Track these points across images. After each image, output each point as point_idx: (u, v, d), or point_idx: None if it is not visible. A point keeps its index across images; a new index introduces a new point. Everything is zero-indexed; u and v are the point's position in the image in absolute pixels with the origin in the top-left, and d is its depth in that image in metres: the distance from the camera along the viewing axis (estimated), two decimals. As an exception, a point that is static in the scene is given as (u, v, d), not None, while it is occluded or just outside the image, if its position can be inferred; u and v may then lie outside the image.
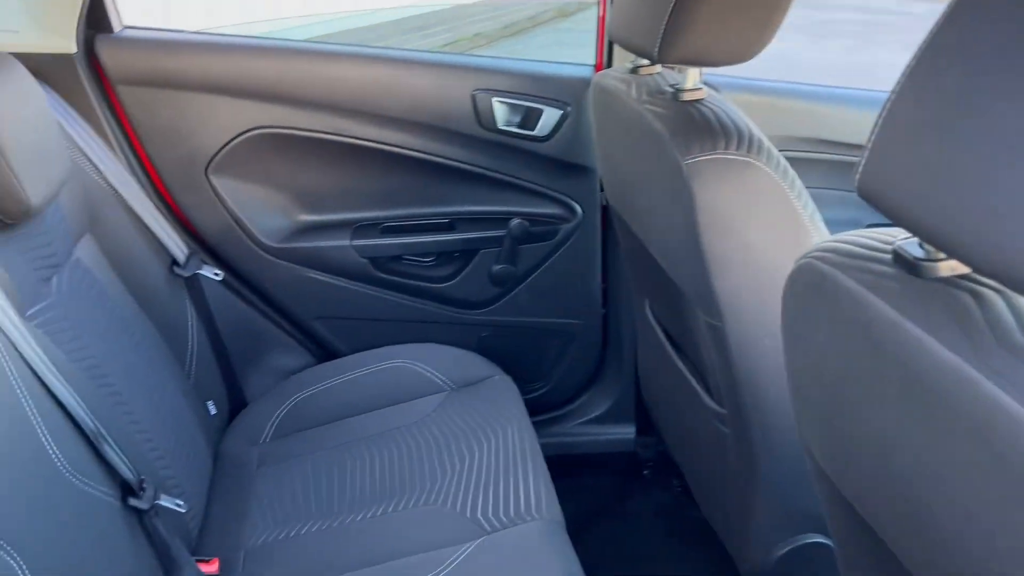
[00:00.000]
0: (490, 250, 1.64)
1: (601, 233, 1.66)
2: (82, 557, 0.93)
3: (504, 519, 1.21)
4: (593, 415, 1.84)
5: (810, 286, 0.67)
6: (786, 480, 1.11)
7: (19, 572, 0.82)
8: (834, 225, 0.93)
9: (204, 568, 1.15)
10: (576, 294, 1.71)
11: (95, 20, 1.40)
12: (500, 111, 1.53)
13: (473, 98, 1.52)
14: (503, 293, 1.69)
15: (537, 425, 1.80)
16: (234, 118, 1.47)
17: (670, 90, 1.12)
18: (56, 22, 1.34)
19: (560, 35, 7.54)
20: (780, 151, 1.01)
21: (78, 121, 1.37)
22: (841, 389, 0.64)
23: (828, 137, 1.55)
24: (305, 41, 1.57)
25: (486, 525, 1.20)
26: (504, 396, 1.50)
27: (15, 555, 0.82)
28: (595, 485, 1.85)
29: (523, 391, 1.77)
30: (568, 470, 1.86)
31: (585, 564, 1.14)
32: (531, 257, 1.66)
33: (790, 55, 2.81)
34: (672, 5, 0.98)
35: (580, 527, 1.41)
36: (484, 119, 1.53)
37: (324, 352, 1.70)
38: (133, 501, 1.05)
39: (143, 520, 1.07)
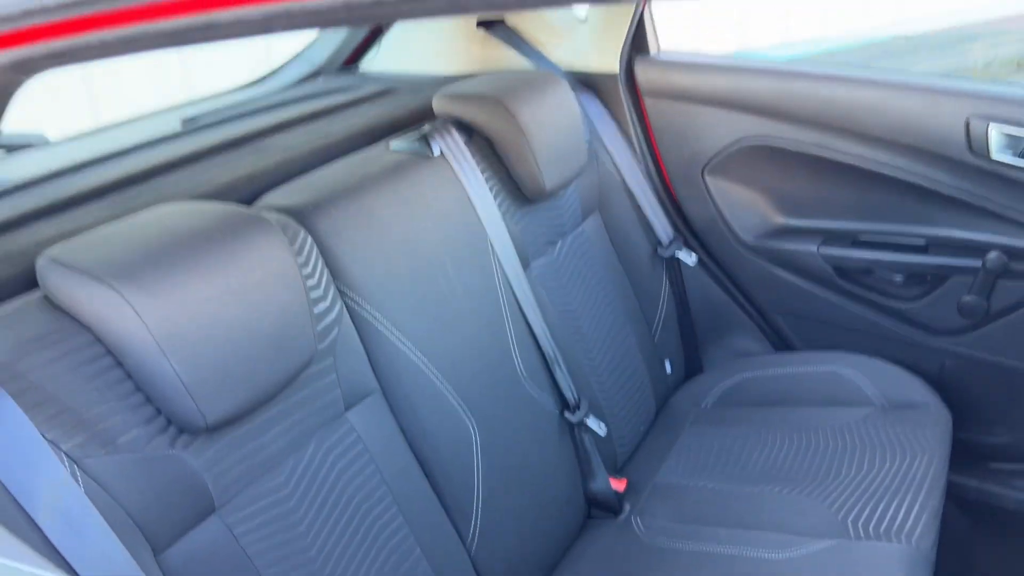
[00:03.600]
0: (963, 279, 1.60)
1: None
2: (518, 439, 1.33)
3: (870, 531, 1.27)
4: None
5: None
6: None
7: (472, 431, 1.24)
8: None
9: (614, 482, 1.46)
10: None
11: (638, 45, 1.76)
12: (996, 138, 1.47)
13: (967, 123, 1.49)
14: (973, 326, 1.62)
15: (994, 475, 1.70)
16: (732, 128, 1.71)
17: None
18: (608, 47, 1.74)
19: None
20: None
21: (610, 123, 1.76)
22: None
23: None
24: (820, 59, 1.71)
25: (851, 531, 1.28)
26: (931, 426, 1.49)
27: (472, 419, 1.24)
28: None
29: (978, 431, 1.69)
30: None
31: None
32: (1010, 294, 1.56)
33: None
34: None
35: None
36: (976, 146, 1.49)
37: (780, 341, 1.86)
38: (567, 415, 1.42)
39: (572, 431, 1.44)
